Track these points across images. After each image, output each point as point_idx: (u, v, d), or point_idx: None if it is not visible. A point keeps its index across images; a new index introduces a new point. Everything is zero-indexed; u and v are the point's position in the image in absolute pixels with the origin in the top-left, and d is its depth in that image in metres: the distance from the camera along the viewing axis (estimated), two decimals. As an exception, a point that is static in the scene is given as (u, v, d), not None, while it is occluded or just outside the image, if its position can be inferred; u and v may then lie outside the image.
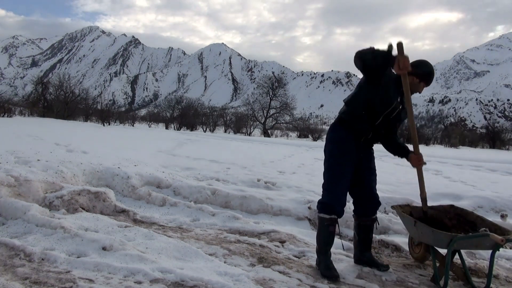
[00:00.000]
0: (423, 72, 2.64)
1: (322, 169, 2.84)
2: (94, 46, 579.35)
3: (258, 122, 37.77)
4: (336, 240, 3.61)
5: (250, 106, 39.66)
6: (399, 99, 2.64)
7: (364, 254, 2.88)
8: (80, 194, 3.98)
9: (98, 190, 4.13)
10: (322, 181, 2.79)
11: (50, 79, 35.18)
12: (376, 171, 2.91)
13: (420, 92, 2.72)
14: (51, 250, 2.69)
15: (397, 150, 2.88)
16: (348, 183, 2.71)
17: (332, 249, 2.99)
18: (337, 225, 2.70)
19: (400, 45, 2.30)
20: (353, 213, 2.95)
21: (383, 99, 2.58)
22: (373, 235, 3.06)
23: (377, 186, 2.94)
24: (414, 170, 2.84)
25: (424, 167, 2.82)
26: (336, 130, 2.73)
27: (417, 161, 2.73)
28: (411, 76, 2.58)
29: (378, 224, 3.02)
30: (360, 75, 2.67)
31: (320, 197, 2.76)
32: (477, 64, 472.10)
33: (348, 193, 2.76)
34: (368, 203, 2.84)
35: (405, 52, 2.32)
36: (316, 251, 2.78)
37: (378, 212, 3.02)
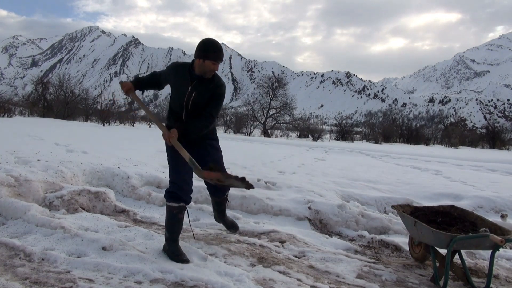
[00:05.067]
0: (199, 50, 2.71)
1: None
2: (94, 46, 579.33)
3: (258, 122, 37.76)
4: (337, 240, 3.62)
5: (250, 106, 39.63)
6: (188, 90, 2.76)
7: (221, 218, 3.45)
8: (80, 194, 3.98)
9: (98, 190, 4.13)
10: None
11: (50, 79, 35.15)
12: (220, 152, 3.10)
13: (215, 70, 2.75)
14: (51, 250, 2.69)
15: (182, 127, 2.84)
16: (190, 173, 2.82)
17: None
18: (186, 212, 2.85)
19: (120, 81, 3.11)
20: (208, 192, 3.31)
21: (174, 99, 2.86)
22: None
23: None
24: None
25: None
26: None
27: (165, 136, 2.74)
28: (198, 60, 2.71)
29: (229, 202, 3.57)
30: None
31: (168, 188, 2.85)
32: (477, 64, 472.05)
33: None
34: (214, 186, 3.01)
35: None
36: (165, 238, 2.84)
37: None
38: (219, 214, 3.45)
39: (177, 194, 2.78)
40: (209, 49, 2.69)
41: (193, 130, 2.76)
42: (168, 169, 2.96)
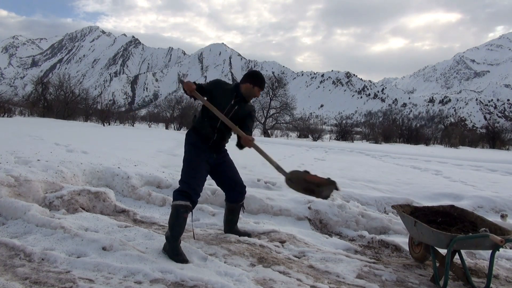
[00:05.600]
0: (250, 77, 3.19)
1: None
2: (94, 46, 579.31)
3: (258, 122, 37.77)
4: (337, 240, 3.62)
5: (250, 106, 39.56)
6: (232, 102, 3.13)
7: (232, 228, 3.46)
8: (80, 194, 3.98)
9: (98, 190, 4.13)
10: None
11: (50, 79, 35.09)
12: (234, 164, 3.36)
13: (257, 96, 3.27)
14: (51, 250, 2.69)
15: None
16: (204, 178, 3.08)
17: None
18: (191, 213, 2.96)
19: (179, 79, 3.31)
20: (225, 200, 3.40)
21: (216, 105, 3.08)
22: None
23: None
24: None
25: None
26: (189, 135, 3.20)
27: (247, 140, 3.05)
28: (246, 83, 3.17)
29: (244, 210, 3.53)
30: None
31: (179, 187, 2.99)
32: (477, 64, 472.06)
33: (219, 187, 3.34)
34: (233, 191, 3.30)
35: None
36: (165, 237, 2.89)
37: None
38: (232, 225, 3.46)
39: (188, 193, 2.89)
40: (260, 79, 3.21)
41: (226, 140, 3.23)
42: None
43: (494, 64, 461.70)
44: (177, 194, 2.91)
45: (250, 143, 3.03)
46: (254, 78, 3.19)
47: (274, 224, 3.89)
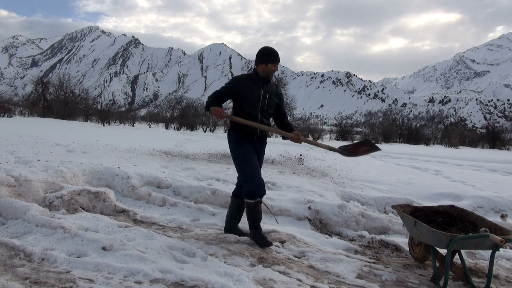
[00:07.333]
0: (260, 57, 3.20)
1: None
2: (94, 46, 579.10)
3: (258, 122, 37.74)
4: (337, 240, 3.62)
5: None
6: (262, 93, 3.19)
7: (253, 233, 3.32)
8: (80, 194, 3.97)
9: (98, 190, 4.13)
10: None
11: (50, 79, 35.10)
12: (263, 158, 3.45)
13: (276, 70, 3.23)
14: (51, 250, 2.69)
15: (284, 128, 3.38)
16: (259, 168, 3.23)
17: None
18: (261, 204, 3.20)
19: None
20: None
21: (249, 104, 3.17)
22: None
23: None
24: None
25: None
26: (232, 135, 3.27)
27: (297, 140, 3.21)
28: (259, 66, 3.20)
29: (263, 210, 3.53)
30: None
31: (244, 187, 3.15)
32: (477, 64, 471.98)
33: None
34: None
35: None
36: (249, 227, 3.26)
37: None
38: (253, 226, 3.27)
39: (255, 191, 3.09)
40: (269, 54, 3.19)
41: (292, 125, 3.36)
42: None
43: (494, 64, 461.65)
44: (246, 195, 3.12)
45: (300, 141, 3.19)
46: (263, 56, 3.19)
47: (274, 224, 3.89)
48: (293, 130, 3.26)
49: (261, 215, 3.25)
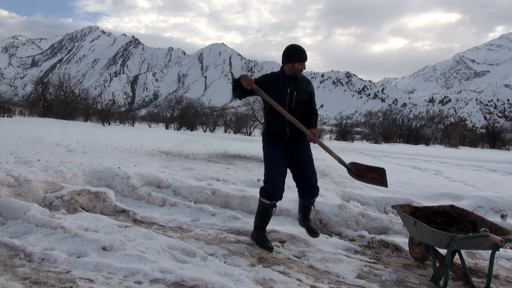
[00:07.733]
0: (285, 57, 3.12)
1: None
2: (94, 46, 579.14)
3: (258, 122, 37.75)
4: (337, 240, 3.63)
5: (250, 106, 39.59)
6: (288, 91, 3.12)
7: (305, 222, 3.48)
8: (80, 194, 3.97)
9: (98, 190, 4.13)
10: (296, 178, 3.32)
11: (50, 79, 35.10)
12: (312, 157, 3.32)
13: (303, 69, 3.13)
14: (51, 250, 2.69)
15: (306, 123, 3.24)
16: (284, 173, 3.19)
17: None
18: (274, 208, 3.20)
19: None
20: (298, 195, 3.45)
21: (275, 98, 3.10)
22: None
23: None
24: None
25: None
26: (265, 136, 3.32)
27: (312, 138, 3.15)
28: (286, 65, 3.13)
29: (314, 207, 3.59)
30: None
31: (263, 187, 3.17)
32: (477, 64, 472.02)
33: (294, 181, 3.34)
34: (302, 186, 3.32)
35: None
36: (254, 227, 3.28)
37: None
38: (304, 217, 3.51)
39: (273, 194, 3.10)
40: (295, 53, 3.10)
41: (316, 123, 3.26)
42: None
43: (494, 64, 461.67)
44: (263, 194, 3.14)
45: (315, 141, 3.13)
46: (289, 56, 3.11)
47: (274, 224, 3.88)
48: (311, 128, 3.18)
49: (270, 218, 3.25)
